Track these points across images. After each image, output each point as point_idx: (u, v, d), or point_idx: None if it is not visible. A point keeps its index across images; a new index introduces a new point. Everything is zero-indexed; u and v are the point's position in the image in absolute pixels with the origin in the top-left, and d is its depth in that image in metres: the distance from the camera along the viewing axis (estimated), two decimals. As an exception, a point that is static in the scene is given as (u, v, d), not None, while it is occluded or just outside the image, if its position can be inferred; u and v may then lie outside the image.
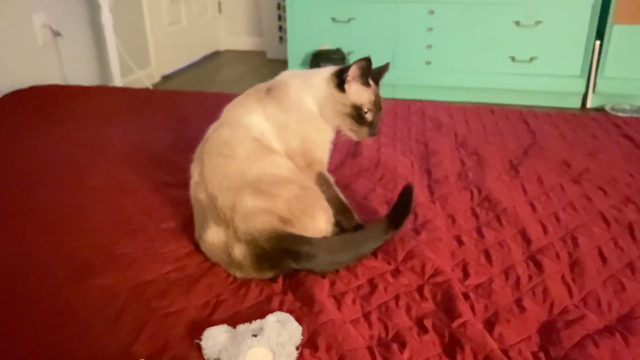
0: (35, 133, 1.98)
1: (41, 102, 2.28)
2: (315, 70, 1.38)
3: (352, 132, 1.33)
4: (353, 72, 1.28)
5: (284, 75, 1.39)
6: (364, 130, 1.31)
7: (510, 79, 3.41)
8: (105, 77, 3.31)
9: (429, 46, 3.45)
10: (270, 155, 1.27)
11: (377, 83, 1.35)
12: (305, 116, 1.32)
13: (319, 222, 1.21)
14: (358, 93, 1.30)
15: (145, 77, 3.65)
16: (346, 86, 1.29)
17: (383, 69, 1.37)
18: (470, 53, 3.42)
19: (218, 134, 1.29)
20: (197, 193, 1.26)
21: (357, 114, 1.29)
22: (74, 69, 3.02)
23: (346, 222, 1.31)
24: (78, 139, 1.94)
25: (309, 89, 1.33)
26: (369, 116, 1.30)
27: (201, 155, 1.27)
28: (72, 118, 2.14)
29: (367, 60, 1.26)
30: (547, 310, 1.09)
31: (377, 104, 1.32)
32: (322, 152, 1.37)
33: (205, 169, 1.24)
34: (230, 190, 1.19)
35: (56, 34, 2.85)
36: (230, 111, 1.35)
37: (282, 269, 1.18)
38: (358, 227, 1.30)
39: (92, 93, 2.49)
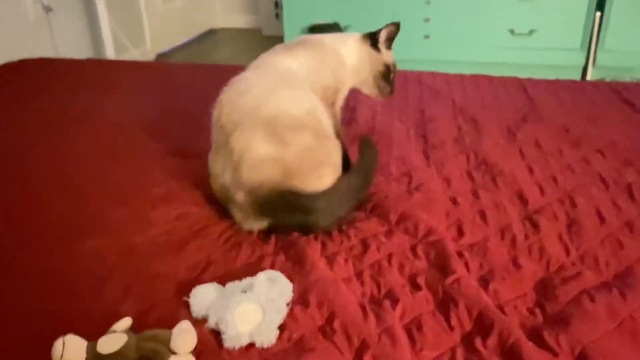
0: (25, 105, 1.95)
1: (31, 75, 2.25)
2: (337, 34, 1.47)
3: (378, 89, 1.46)
4: (384, 35, 1.41)
5: (308, 36, 1.44)
6: (388, 88, 1.46)
7: (509, 53, 3.37)
8: (99, 55, 3.27)
9: (427, 19, 3.40)
10: (290, 89, 1.24)
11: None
12: (340, 62, 1.39)
13: (325, 181, 1.19)
14: (387, 55, 1.44)
15: (140, 55, 3.61)
16: (380, 46, 1.42)
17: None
18: (469, 26, 3.37)
19: (239, 75, 1.27)
20: (217, 122, 1.23)
21: (387, 73, 1.44)
22: (66, 46, 2.97)
23: None
24: (69, 109, 1.91)
25: (342, 44, 1.41)
26: (392, 75, 1.45)
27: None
28: (63, 90, 2.11)
29: (396, 25, 1.41)
30: (543, 268, 1.06)
31: (395, 64, 1.46)
32: (342, 97, 1.42)
33: (223, 101, 1.21)
34: (244, 130, 1.16)
35: (47, 9, 2.80)
36: (255, 61, 1.35)
37: (282, 219, 1.16)
38: None
39: (83, 66, 2.46)
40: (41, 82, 2.17)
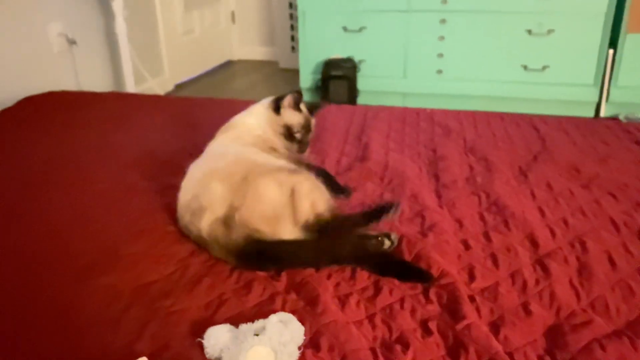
0: (47, 137, 2.00)
1: (54, 108, 2.32)
2: (251, 108, 1.64)
3: (284, 149, 1.56)
4: (287, 100, 1.57)
5: (232, 121, 1.61)
6: (294, 147, 1.58)
7: (522, 88, 3.39)
8: (119, 85, 3.35)
9: (440, 55, 3.45)
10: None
11: (311, 113, 1.63)
12: (249, 132, 1.56)
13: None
14: (291, 116, 1.58)
15: (158, 86, 3.69)
16: (282, 110, 1.57)
17: (318, 105, 1.71)
18: (482, 62, 3.41)
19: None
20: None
21: (288, 133, 1.56)
22: (88, 77, 3.06)
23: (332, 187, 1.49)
24: (89, 143, 1.96)
25: (249, 117, 1.60)
26: (298, 135, 1.57)
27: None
28: (84, 123, 2.17)
29: (299, 93, 1.58)
30: (554, 314, 1.07)
31: (307, 127, 1.60)
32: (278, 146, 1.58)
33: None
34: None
35: (71, 42, 2.90)
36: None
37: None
38: (346, 190, 1.54)
39: (105, 99, 2.52)
40: (64, 115, 2.24)
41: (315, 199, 1.27)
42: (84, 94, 2.60)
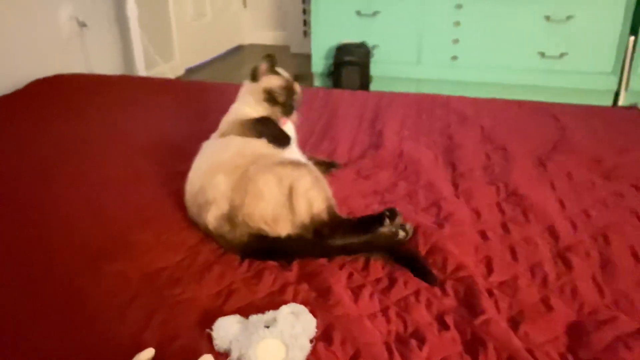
0: (56, 121, 1.98)
1: (64, 91, 2.29)
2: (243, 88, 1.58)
3: (271, 112, 1.48)
4: (262, 66, 1.51)
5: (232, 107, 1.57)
6: (277, 109, 1.48)
7: (539, 76, 3.31)
8: (130, 69, 3.31)
9: (456, 40, 3.38)
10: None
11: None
12: (238, 111, 1.52)
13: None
14: (269, 80, 1.50)
15: (169, 70, 3.65)
16: (260, 77, 1.51)
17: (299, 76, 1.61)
18: (498, 48, 3.33)
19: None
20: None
21: (270, 97, 1.48)
22: (99, 61, 3.02)
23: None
24: (98, 127, 1.93)
25: (239, 97, 1.55)
26: (281, 98, 1.48)
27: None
28: (94, 107, 2.14)
29: (271, 56, 1.52)
30: (576, 311, 1.03)
31: (289, 89, 1.51)
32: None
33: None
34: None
35: (82, 25, 2.86)
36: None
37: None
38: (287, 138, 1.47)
39: (115, 82, 2.49)
40: (74, 99, 2.21)
41: (312, 198, 1.23)
42: (94, 77, 2.57)
